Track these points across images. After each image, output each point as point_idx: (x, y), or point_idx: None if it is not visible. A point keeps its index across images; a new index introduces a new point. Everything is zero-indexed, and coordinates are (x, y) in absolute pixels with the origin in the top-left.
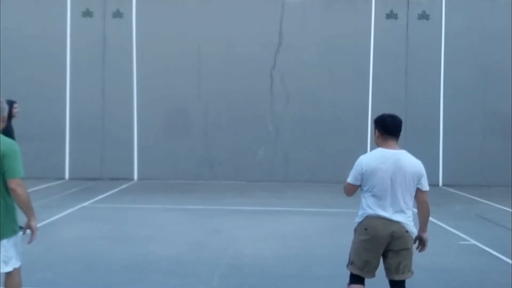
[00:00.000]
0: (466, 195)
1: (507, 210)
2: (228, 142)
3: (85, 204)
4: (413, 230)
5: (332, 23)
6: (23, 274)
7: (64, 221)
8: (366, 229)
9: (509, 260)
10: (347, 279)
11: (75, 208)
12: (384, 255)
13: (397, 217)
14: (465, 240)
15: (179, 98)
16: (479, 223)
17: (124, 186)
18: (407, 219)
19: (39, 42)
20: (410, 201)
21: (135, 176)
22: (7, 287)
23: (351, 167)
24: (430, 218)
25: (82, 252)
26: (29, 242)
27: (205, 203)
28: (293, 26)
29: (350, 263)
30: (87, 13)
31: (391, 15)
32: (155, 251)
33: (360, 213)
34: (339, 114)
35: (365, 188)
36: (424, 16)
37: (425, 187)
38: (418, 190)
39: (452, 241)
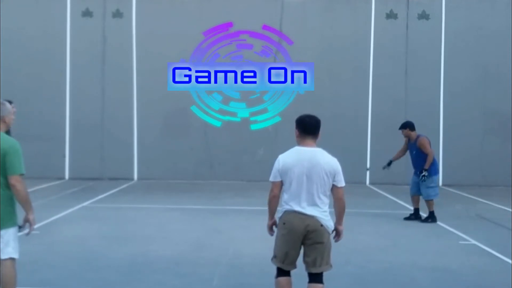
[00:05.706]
0: (466, 195)
1: (507, 210)
2: (228, 142)
3: (85, 204)
4: (328, 224)
5: (332, 23)
6: (23, 274)
7: (64, 221)
8: (284, 223)
9: (509, 260)
10: (345, 278)
11: (75, 208)
12: (303, 249)
13: (311, 212)
14: (465, 240)
15: (179, 98)
16: (479, 223)
17: (124, 186)
18: (322, 213)
19: (39, 42)
20: (325, 197)
21: (135, 176)
22: (2, 276)
23: (350, 167)
24: None
25: (82, 252)
26: (28, 233)
27: (205, 203)
28: (293, 26)
29: (274, 256)
30: (87, 13)
31: (391, 15)
32: (155, 251)
33: (280, 209)
34: (339, 113)
35: (284, 185)
36: (424, 16)
37: (340, 183)
38: (334, 187)
39: (452, 241)
